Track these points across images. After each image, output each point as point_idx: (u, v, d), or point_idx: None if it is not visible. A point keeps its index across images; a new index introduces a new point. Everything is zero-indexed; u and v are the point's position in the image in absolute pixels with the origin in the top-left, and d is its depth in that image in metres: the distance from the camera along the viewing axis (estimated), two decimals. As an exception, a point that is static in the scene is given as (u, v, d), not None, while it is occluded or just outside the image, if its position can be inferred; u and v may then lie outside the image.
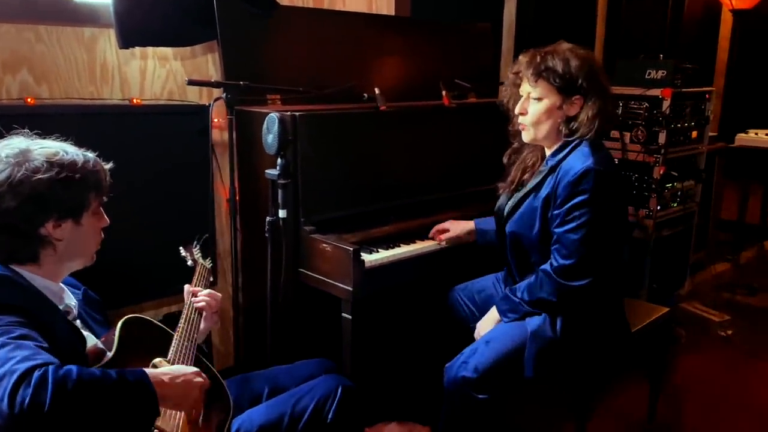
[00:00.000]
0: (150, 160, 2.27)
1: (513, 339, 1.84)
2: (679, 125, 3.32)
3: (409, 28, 2.90)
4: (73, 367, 1.06)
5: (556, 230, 1.79)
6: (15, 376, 0.99)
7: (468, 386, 1.80)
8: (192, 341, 1.51)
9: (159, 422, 1.22)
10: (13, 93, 2.01)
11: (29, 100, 2.00)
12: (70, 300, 1.41)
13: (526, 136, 1.92)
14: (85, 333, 1.40)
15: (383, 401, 2.37)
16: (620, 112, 3.33)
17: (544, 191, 1.85)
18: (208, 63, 2.45)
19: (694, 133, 3.48)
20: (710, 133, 3.74)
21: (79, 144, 1.46)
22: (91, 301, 1.52)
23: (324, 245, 2.05)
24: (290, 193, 1.99)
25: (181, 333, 1.52)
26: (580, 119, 1.82)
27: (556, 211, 1.79)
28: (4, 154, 1.27)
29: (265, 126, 1.81)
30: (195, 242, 2.07)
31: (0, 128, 1.45)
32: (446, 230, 2.26)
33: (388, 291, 2.19)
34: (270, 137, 1.80)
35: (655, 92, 3.22)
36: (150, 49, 2.29)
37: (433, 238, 2.27)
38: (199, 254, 2.00)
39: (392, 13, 3.02)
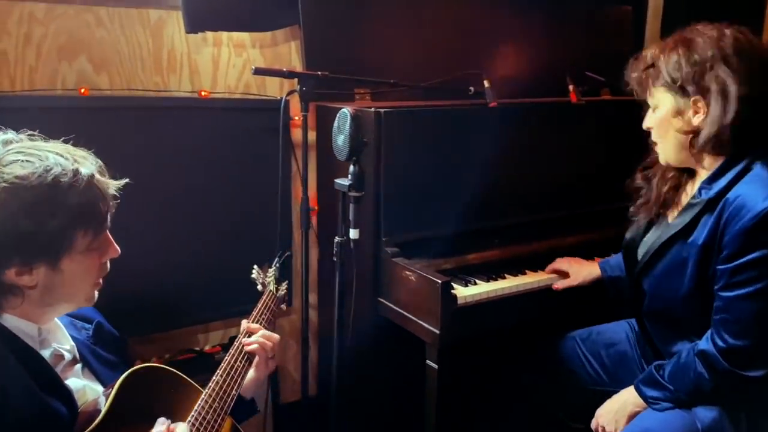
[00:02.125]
0: (220, 161, 1.98)
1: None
2: None
3: (530, 10, 2.43)
4: None
5: (723, 294, 1.28)
6: None
7: None
8: (226, 401, 1.18)
9: None
10: (69, 83, 1.80)
11: (83, 90, 1.77)
12: (63, 342, 1.11)
13: (661, 156, 1.45)
14: (84, 383, 1.10)
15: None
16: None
17: (699, 235, 1.32)
18: (291, 51, 2.13)
19: None
20: None
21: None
22: (103, 339, 1.23)
23: (407, 273, 1.66)
24: (367, 208, 1.62)
25: (213, 389, 1.19)
26: (715, 128, 1.28)
27: (722, 267, 1.28)
28: None
29: (335, 124, 1.45)
30: (275, 260, 1.77)
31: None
32: (564, 274, 1.79)
33: (486, 335, 1.76)
34: (341, 139, 1.43)
35: None
36: (225, 35, 2.00)
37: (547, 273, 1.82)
38: (273, 278, 1.70)
39: (512, -7, 2.56)
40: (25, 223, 0.96)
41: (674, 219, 1.42)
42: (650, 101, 1.44)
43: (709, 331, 1.30)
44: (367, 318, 1.79)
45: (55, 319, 1.12)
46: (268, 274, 1.73)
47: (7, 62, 1.71)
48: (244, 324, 1.47)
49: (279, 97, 2.05)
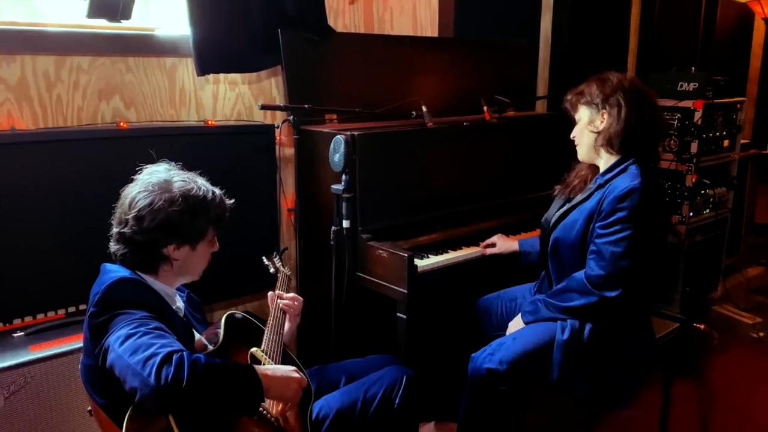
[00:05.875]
0: (223, 175, 2.48)
1: (540, 338, 1.94)
2: (710, 135, 3.45)
3: (451, 48, 3.11)
4: (201, 355, 1.30)
5: (596, 241, 1.89)
6: (160, 357, 1.24)
7: (492, 377, 1.92)
8: (279, 336, 1.75)
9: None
10: (107, 117, 2.28)
11: (122, 124, 2.26)
12: (180, 303, 1.66)
13: (579, 154, 2.13)
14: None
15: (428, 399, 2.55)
16: (653, 122, 3.48)
17: (589, 204, 1.98)
18: (272, 86, 2.70)
19: (726, 142, 3.61)
20: (743, 140, 3.85)
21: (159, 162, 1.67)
22: (193, 303, 1.77)
23: (380, 251, 2.27)
24: (351, 206, 2.22)
25: (271, 327, 1.75)
26: (610, 131, 1.97)
27: (599, 224, 1.89)
28: (151, 182, 1.52)
29: (332, 146, 2.04)
30: (275, 253, 2.31)
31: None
32: (494, 244, 2.45)
33: (437, 293, 2.40)
34: (337, 156, 2.03)
35: (687, 104, 3.36)
36: (221, 75, 2.54)
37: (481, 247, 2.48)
38: (280, 263, 2.23)
39: (436, 33, 3.23)
40: (188, 219, 1.51)
41: (578, 196, 2.09)
42: (576, 117, 2.10)
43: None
44: (349, 290, 2.38)
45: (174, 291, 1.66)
46: (275, 261, 2.27)
47: (62, 104, 2.18)
48: (271, 294, 1.93)
49: (267, 123, 2.61)
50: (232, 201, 1.66)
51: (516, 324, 2.11)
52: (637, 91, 2.01)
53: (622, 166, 1.97)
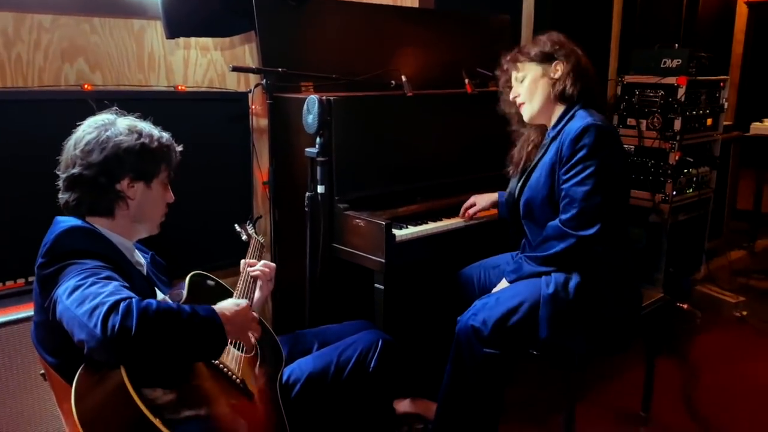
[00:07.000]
0: (194, 144, 2.39)
1: (524, 298, 1.91)
2: (694, 112, 3.42)
3: (432, 19, 3.04)
4: (153, 300, 1.21)
5: (564, 186, 1.89)
6: (106, 306, 1.15)
7: (476, 337, 1.89)
8: (249, 299, 1.66)
9: (224, 359, 1.38)
10: (71, 80, 2.18)
11: (86, 86, 2.16)
12: (140, 259, 1.57)
13: (527, 113, 2.09)
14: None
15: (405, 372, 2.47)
16: (635, 100, 3.45)
17: (548, 157, 1.98)
18: (246, 53, 2.61)
19: (709, 121, 3.58)
20: (726, 123, 3.83)
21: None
22: (157, 265, 1.68)
23: (357, 221, 2.19)
24: (326, 171, 2.13)
25: (240, 290, 1.67)
26: (564, 79, 1.99)
27: (562, 170, 1.90)
28: (94, 122, 1.45)
29: (305, 107, 1.96)
30: (248, 221, 2.22)
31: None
32: (472, 205, 2.39)
33: (415, 264, 2.33)
34: (310, 117, 1.95)
35: (671, 80, 3.32)
36: (192, 40, 2.44)
37: (461, 216, 2.41)
38: (253, 230, 2.15)
39: (416, 4, 3.15)
40: (137, 151, 1.44)
41: (535, 157, 2.07)
42: (517, 75, 2.08)
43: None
44: (324, 259, 2.30)
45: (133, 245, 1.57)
46: (248, 228, 2.19)
47: (21, 64, 2.08)
48: (244, 261, 1.87)
49: (240, 90, 2.52)
50: (181, 147, 1.60)
51: (501, 287, 2.07)
52: (570, 41, 2.07)
53: (570, 113, 1.99)
